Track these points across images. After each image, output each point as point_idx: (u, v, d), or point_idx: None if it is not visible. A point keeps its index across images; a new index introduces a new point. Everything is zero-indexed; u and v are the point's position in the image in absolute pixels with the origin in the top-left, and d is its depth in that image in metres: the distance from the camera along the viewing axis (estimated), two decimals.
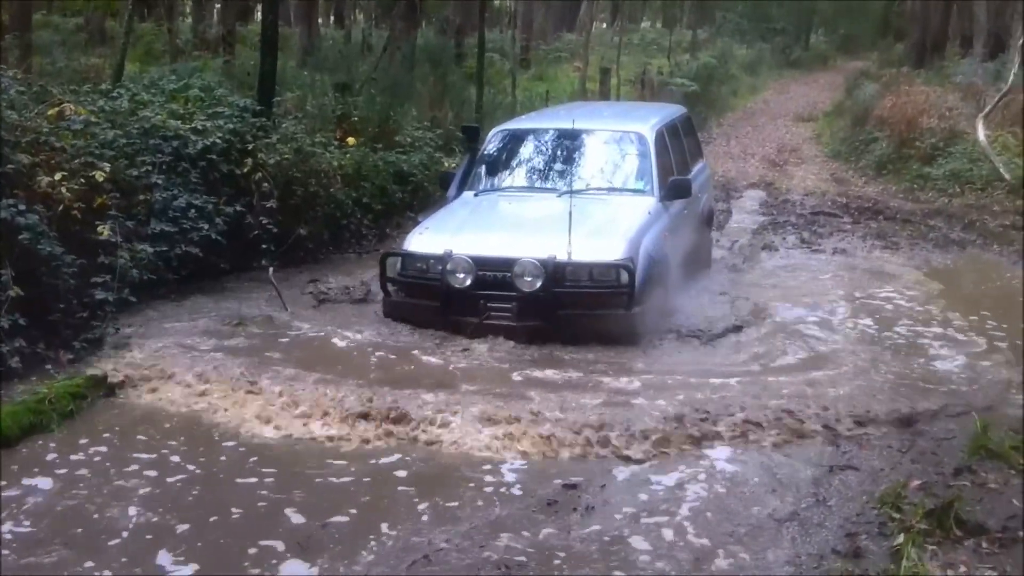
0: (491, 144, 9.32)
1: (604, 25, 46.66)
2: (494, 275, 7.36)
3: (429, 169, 11.86)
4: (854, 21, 49.22)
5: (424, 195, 11.68)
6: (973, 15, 27.68)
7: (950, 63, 25.13)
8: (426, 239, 7.80)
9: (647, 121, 9.27)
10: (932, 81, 21.37)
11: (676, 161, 9.28)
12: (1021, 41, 18.29)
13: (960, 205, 13.64)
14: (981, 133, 15.00)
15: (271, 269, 8.42)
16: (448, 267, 7.36)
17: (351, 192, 10.38)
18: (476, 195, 8.77)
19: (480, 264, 7.34)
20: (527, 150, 9.35)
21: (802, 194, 14.71)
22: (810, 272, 10.01)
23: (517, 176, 9.15)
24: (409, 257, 7.73)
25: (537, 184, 8.92)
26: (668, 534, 4.58)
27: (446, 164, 12.24)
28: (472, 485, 5.06)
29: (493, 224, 8.20)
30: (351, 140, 11.31)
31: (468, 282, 7.36)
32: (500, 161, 9.22)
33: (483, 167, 9.10)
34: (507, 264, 7.29)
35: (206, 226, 8.08)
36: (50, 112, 7.87)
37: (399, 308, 7.75)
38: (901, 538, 4.34)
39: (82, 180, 7.21)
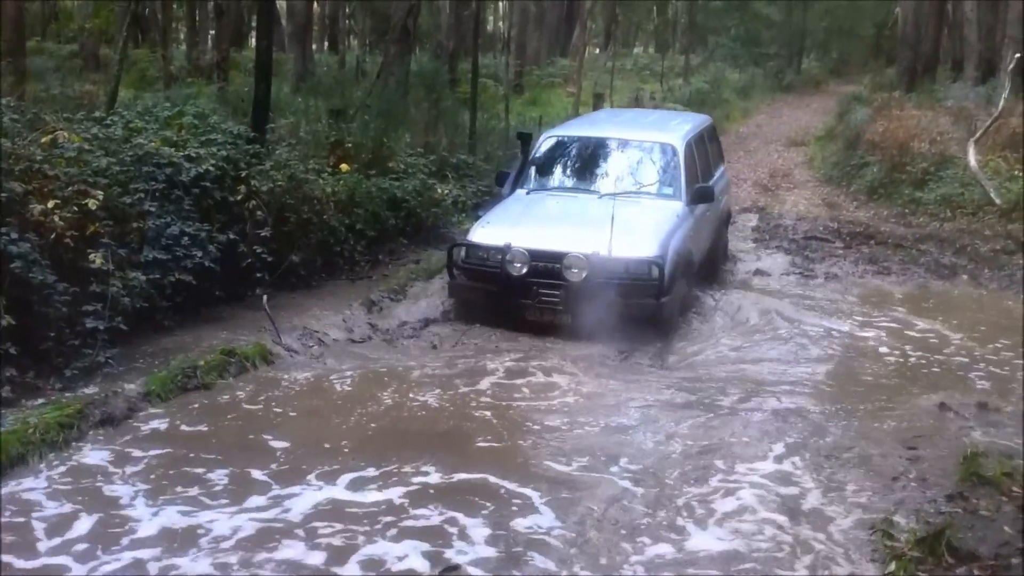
0: (541, 148, 10.59)
1: (597, 50, 46.79)
2: (546, 266, 8.56)
3: (422, 195, 11.86)
4: (846, 45, 49.48)
5: (417, 221, 11.69)
6: (964, 38, 27.82)
7: (941, 87, 25.24)
8: (488, 231, 9.03)
9: (678, 132, 10.53)
10: (923, 105, 21.45)
11: (701, 167, 10.51)
12: (1011, 65, 18.39)
13: (951, 229, 13.68)
14: (972, 158, 15.06)
15: (265, 298, 8.41)
16: (507, 258, 8.62)
17: (344, 218, 10.35)
18: (528, 193, 10.04)
19: (535, 256, 8.58)
20: (572, 155, 10.62)
21: (794, 219, 14.74)
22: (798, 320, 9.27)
23: (563, 177, 10.46)
24: (473, 247, 9.00)
25: (581, 185, 10.16)
26: None
27: (439, 190, 12.26)
28: None
29: (545, 220, 9.31)
30: (345, 166, 11.30)
31: (524, 271, 8.60)
32: (549, 163, 10.51)
33: (534, 168, 10.38)
34: (558, 257, 8.52)
35: (199, 253, 8.05)
36: (43, 139, 7.84)
37: (462, 290, 9.09)
38: (893, 565, 4.34)
39: (75, 208, 7.17)
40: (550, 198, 9.92)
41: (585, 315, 8.30)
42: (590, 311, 8.26)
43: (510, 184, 10.22)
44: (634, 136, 10.61)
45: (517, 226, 9.01)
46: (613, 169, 10.18)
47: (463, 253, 9.05)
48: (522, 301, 8.60)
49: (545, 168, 10.43)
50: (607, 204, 8.92)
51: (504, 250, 8.65)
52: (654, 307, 8.45)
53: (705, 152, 11.01)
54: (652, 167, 10.16)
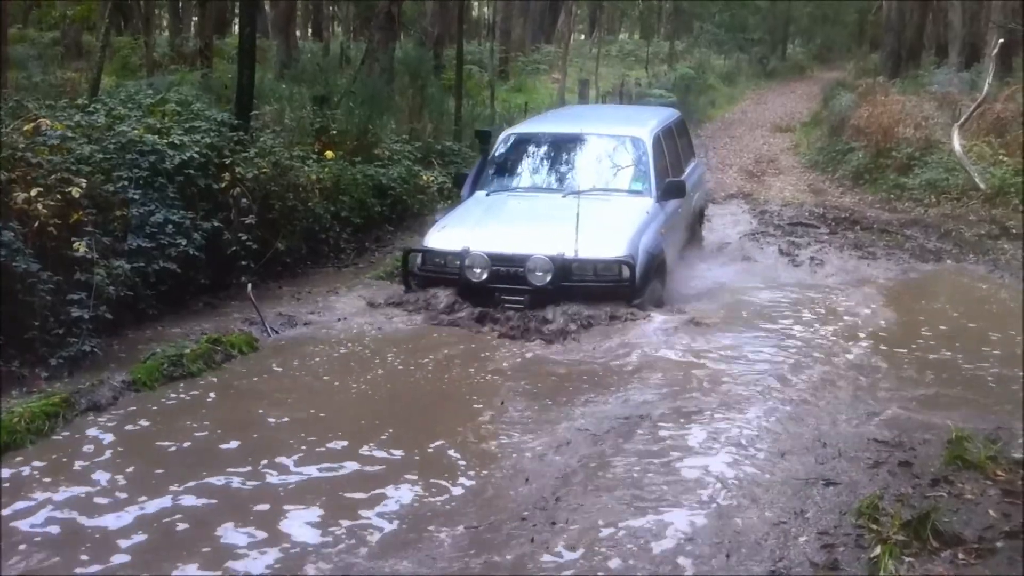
0: (501, 146, 10.02)
1: (582, 36, 46.80)
2: (508, 270, 8.06)
3: (408, 182, 11.86)
4: (830, 31, 49.60)
5: (403, 208, 11.69)
6: (948, 23, 27.90)
7: (925, 72, 25.32)
8: (445, 236, 8.48)
9: (645, 125, 10.02)
10: (908, 90, 21.51)
11: (671, 162, 10.07)
12: (995, 51, 18.44)
13: (936, 215, 13.74)
14: (957, 143, 15.11)
15: (250, 286, 8.35)
16: (466, 263, 8.09)
17: (330, 206, 10.36)
18: (488, 194, 9.44)
19: (495, 260, 8.06)
20: (535, 152, 10.07)
21: (780, 205, 14.76)
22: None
23: (526, 177, 9.84)
24: (429, 253, 8.44)
25: (544, 184, 9.61)
26: None
27: (425, 177, 12.25)
28: None
29: (506, 222, 8.77)
30: (329, 153, 11.29)
31: (484, 276, 8.08)
32: (510, 163, 9.94)
33: (494, 168, 9.80)
34: (520, 260, 8.01)
35: (184, 241, 8.03)
36: (26, 127, 7.81)
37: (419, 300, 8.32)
38: (878, 549, 4.35)
39: (58, 196, 7.15)
40: (512, 199, 9.35)
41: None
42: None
43: (469, 186, 9.67)
44: (599, 131, 10.14)
45: (476, 229, 8.46)
46: (578, 166, 9.64)
47: (419, 260, 8.51)
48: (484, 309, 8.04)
49: (506, 168, 9.86)
50: (572, 203, 8.30)
51: (462, 255, 8.12)
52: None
53: (675, 146, 10.60)
54: (619, 163, 9.73)
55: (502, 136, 10.22)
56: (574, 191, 8.86)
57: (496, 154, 9.92)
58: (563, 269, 7.92)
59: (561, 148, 9.92)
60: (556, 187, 9.39)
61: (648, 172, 9.32)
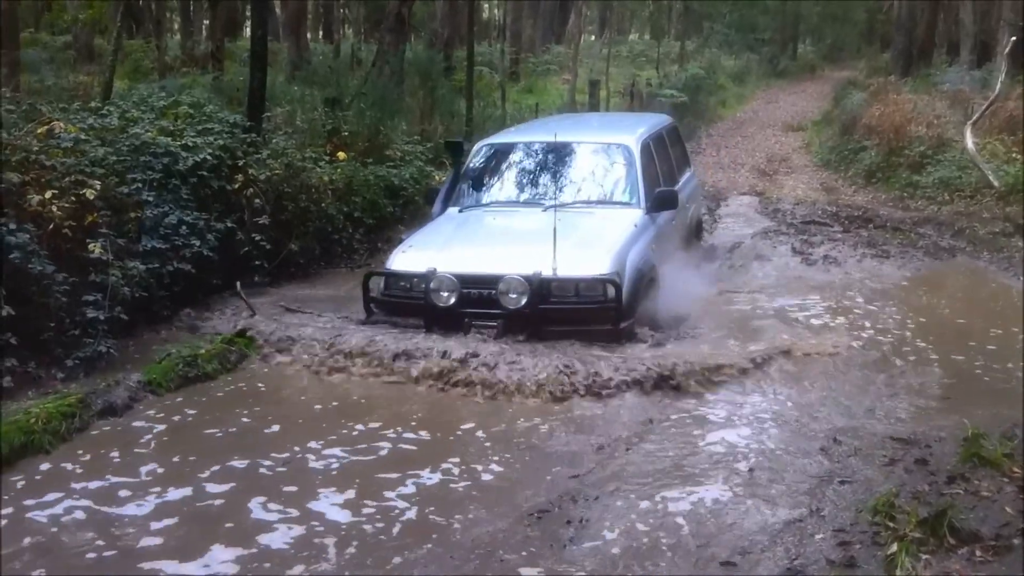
0: (476, 158, 9.27)
1: (592, 37, 46.74)
2: (479, 292, 7.22)
3: (420, 183, 11.88)
4: (840, 30, 49.46)
5: (415, 208, 11.71)
6: (959, 21, 27.82)
7: (937, 71, 25.26)
8: (410, 257, 7.68)
9: (632, 132, 9.25)
10: (919, 89, 21.49)
11: (663, 171, 9.31)
12: (1007, 48, 18.38)
13: (949, 212, 13.69)
14: (969, 141, 15.06)
15: (239, 284, 8.37)
16: (432, 285, 7.25)
17: (342, 207, 10.40)
18: (461, 211, 8.69)
19: (464, 282, 7.24)
20: (512, 164, 9.26)
21: (792, 203, 14.73)
22: None
23: (502, 190, 9.03)
24: (392, 276, 7.64)
25: (522, 198, 8.80)
26: None
27: (436, 178, 12.27)
28: None
29: (478, 240, 8.03)
30: (341, 155, 11.33)
31: (452, 300, 7.25)
32: (485, 176, 9.14)
33: (468, 182, 9.03)
34: (492, 281, 7.17)
35: (197, 242, 8.07)
36: (39, 130, 7.85)
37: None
38: (895, 547, 4.33)
39: (72, 198, 7.18)
40: (487, 215, 8.55)
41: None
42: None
43: (440, 202, 8.88)
44: (582, 138, 9.38)
45: (444, 249, 7.67)
46: (559, 177, 8.72)
47: (382, 284, 7.71)
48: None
49: (481, 181, 9.05)
50: (552, 216, 7.45)
51: (428, 277, 7.27)
52: (612, 335, 7.14)
53: (667, 155, 9.87)
54: (604, 172, 8.93)
55: (476, 147, 9.50)
56: (555, 204, 7.95)
57: (470, 167, 9.18)
58: (540, 290, 7.08)
59: (541, 159, 9.12)
60: (536, 200, 8.56)
61: (636, 182, 8.55)
